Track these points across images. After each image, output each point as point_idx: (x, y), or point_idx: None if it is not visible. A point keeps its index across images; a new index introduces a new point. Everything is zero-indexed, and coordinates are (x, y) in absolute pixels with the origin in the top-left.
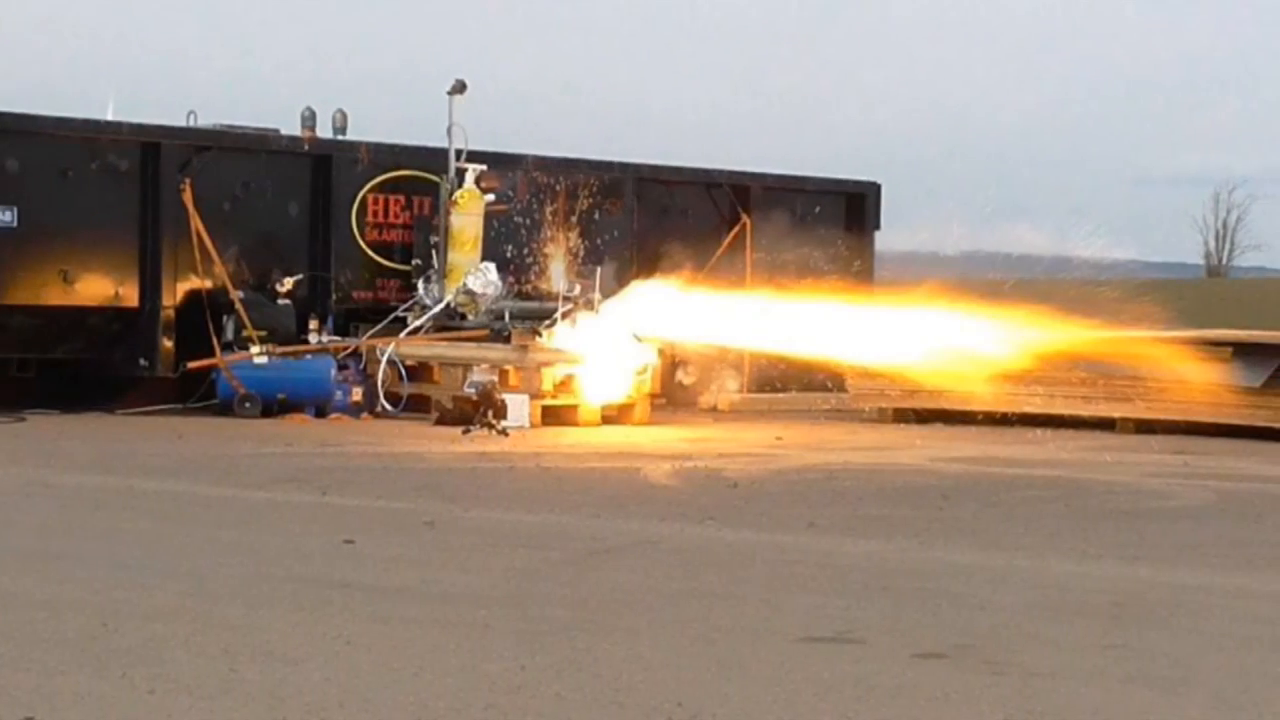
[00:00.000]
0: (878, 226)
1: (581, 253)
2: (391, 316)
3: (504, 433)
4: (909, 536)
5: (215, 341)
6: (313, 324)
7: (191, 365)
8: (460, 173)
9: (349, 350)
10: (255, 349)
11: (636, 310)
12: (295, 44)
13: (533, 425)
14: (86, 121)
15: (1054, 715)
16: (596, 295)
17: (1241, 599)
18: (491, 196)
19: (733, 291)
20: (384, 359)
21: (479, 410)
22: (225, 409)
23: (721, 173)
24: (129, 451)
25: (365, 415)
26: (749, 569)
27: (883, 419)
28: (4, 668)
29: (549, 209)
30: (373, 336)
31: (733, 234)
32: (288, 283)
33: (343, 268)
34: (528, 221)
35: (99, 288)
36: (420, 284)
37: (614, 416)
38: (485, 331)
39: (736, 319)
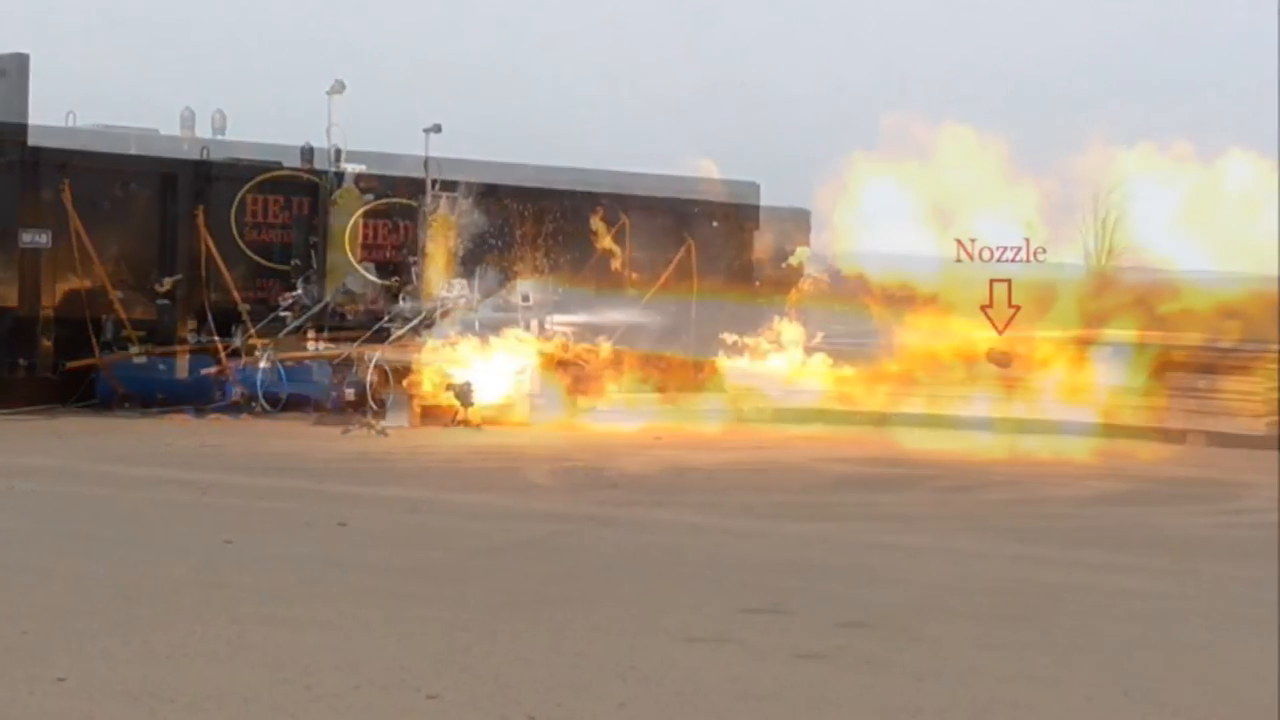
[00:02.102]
0: (757, 227)
1: (462, 253)
2: (271, 316)
3: (384, 433)
4: (791, 536)
5: (94, 341)
6: (191, 324)
7: (71, 365)
8: (339, 173)
9: (228, 350)
10: (134, 349)
11: (517, 311)
12: (173, 42)
13: (412, 425)
14: None
15: (934, 715)
16: (476, 295)
17: (1125, 597)
18: (370, 196)
19: (613, 292)
20: (262, 359)
21: (359, 410)
22: (105, 408)
23: (601, 173)
24: (7, 450)
25: (245, 415)
26: (631, 568)
27: (762, 418)
28: None
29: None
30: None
31: (613, 234)
32: (167, 283)
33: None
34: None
35: None
36: (299, 283)
37: (494, 416)
38: (365, 331)
39: (617, 319)
